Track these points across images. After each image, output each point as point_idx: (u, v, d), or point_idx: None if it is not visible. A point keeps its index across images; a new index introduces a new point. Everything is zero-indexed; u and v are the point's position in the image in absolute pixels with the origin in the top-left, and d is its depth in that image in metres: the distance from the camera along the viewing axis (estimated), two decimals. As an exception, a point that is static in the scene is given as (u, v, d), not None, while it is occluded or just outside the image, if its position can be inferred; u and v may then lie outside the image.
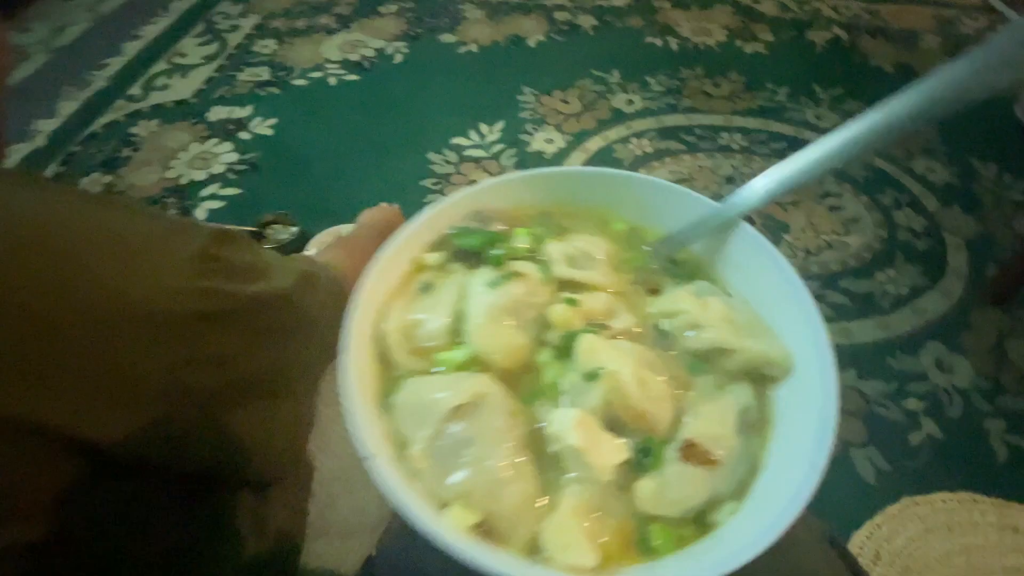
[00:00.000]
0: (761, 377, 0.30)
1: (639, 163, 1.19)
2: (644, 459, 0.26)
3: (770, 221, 1.07)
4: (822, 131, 1.25)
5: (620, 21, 1.65)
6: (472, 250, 0.33)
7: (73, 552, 0.27)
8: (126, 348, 0.25)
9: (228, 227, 0.33)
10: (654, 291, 0.34)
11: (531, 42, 1.54)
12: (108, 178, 1.12)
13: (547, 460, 0.27)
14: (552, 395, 0.29)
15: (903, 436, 0.80)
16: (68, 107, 1.29)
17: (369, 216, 0.67)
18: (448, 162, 1.18)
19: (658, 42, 1.56)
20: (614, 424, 0.27)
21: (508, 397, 0.28)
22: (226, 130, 1.24)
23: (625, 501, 0.26)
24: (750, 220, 0.33)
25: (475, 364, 0.30)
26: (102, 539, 0.28)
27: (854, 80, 1.44)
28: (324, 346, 0.38)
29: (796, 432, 0.27)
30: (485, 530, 0.25)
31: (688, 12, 1.69)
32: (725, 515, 0.26)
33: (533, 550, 0.25)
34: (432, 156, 1.19)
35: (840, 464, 0.77)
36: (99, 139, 1.21)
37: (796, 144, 1.25)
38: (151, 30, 1.54)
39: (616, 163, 1.19)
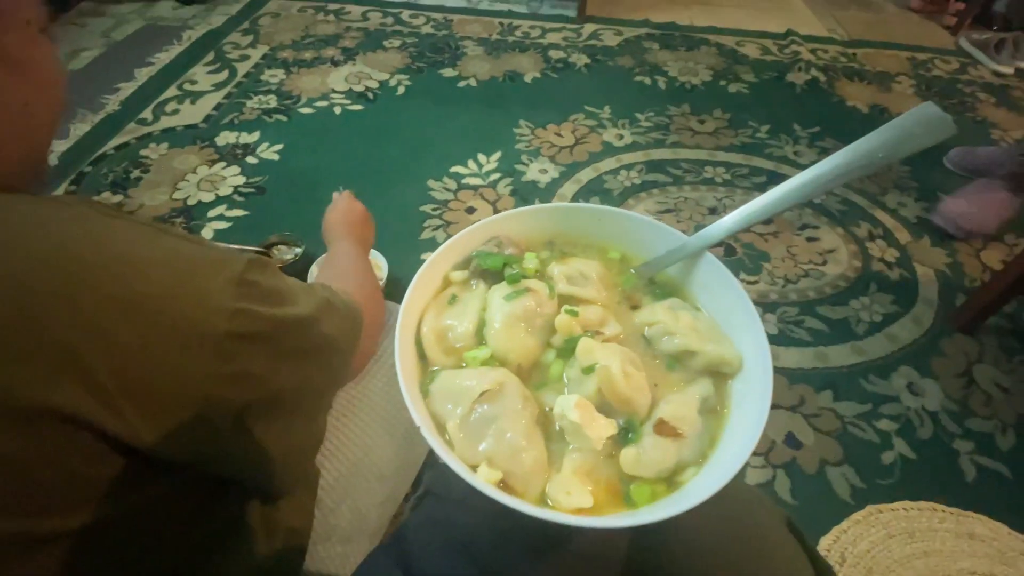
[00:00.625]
0: (719, 373, 0.37)
1: (628, 194, 1.25)
2: (628, 434, 0.33)
3: (751, 250, 1.13)
4: (800, 166, 1.34)
5: (612, 60, 1.74)
6: (491, 270, 0.41)
7: (104, 542, 0.29)
8: (168, 358, 0.27)
9: (255, 253, 0.36)
10: (636, 306, 0.42)
11: (527, 78, 1.63)
12: (118, 197, 1.16)
13: (554, 434, 0.34)
14: (557, 385, 0.36)
15: (876, 455, 0.84)
16: (81, 128, 1.34)
17: (334, 217, 0.69)
18: (447, 189, 1.24)
19: (647, 80, 1.65)
20: (605, 407, 0.34)
21: (523, 386, 0.35)
22: (234, 154, 1.29)
23: (613, 465, 0.33)
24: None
25: (495, 361, 0.37)
26: (132, 531, 0.31)
27: (831, 119, 1.53)
28: (337, 369, 0.41)
29: (744, 414, 0.34)
30: (506, 486, 0.31)
31: (675, 53, 1.80)
32: (689, 476, 0.33)
33: (543, 503, 0.31)
34: (432, 183, 1.24)
35: (816, 480, 0.80)
36: (110, 160, 1.26)
37: (775, 178, 1.32)
38: (163, 57, 1.61)
39: (606, 193, 1.25)
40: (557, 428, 0.34)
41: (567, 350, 0.36)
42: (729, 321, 0.38)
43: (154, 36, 1.72)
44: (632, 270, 0.44)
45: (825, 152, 1.41)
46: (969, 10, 2.02)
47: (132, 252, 0.28)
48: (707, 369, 0.37)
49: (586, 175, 1.30)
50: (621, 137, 1.42)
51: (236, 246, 1.02)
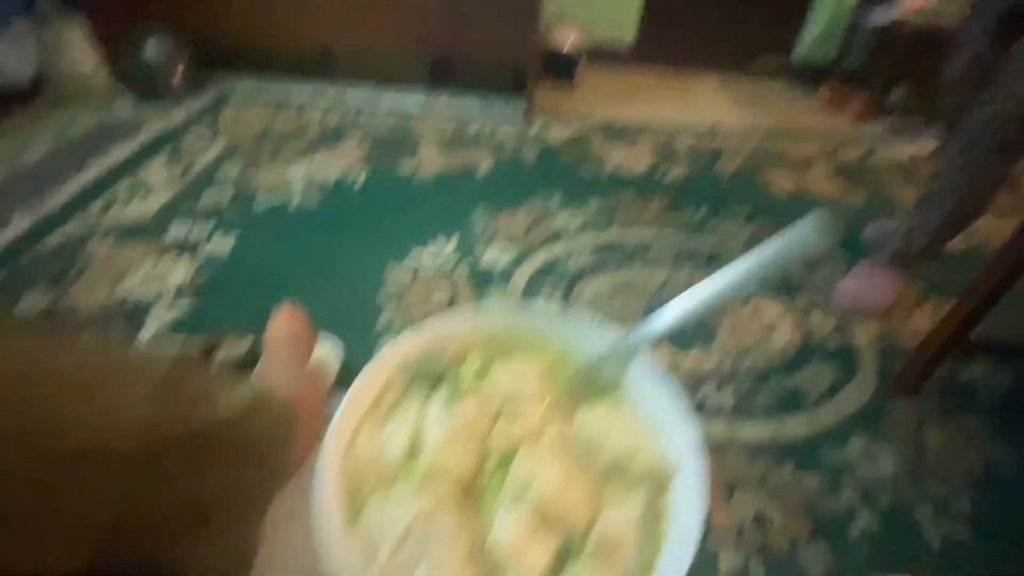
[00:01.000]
0: (658, 478, 0.36)
1: (580, 276, 1.29)
2: (568, 551, 0.32)
3: (701, 328, 1.17)
4: (738, 244, 1.43)
5: (559, 152, 1.88)
6: (431, 375, 0.40)
7: None
8: (76, 486, 0.25)
9: (184, 352, 0.35)
10: (575, 409, 0.41)
11: (481, 170, 1.72)
12: (51, 295, 1.10)
13: (489, 566, 0.32)
14: (495, 499, 0.34)
15: (843, 528, 0.83)
16: (21, 224, 1.29)
17: (275, 332, 0.68)
18: (403, 278, 1.24)
19: (593, 169, 1.78)
20: (545, 519, 0.32)
21: (455, 513, 0.33)
22: (183, 249, 1.27)
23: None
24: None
25: (433, 474, 0.35)
26: None
27: (759, 200, 1.67)
28: (272, 472, 0.39)
29: (683, 521, 0.33)
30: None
31: (617, 145, 1.96)
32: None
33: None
34: (389, 272, 1.25)
35: (790, 563, 0.78)
36: (49, 256, 1.21)
37: (717, 255, 1.41)
38: (117, 153, 1.62)
39: (560, 275, 1.29)
40: (493, 560, 0.32)
41: (506, 461, 0.36)
42: (665, 418, 0.39)
43: (110, 132, 1.73)
44: (571, 371, 0.44)
45: (759, 228, 1.53)
46: (870, 101, 2.34)
47: (25, 375, 0.26)
48: (646, 475, 0.36)
49: (540, 258, 1.34)
50: (571, 222, 1.49)
51: (181, 338, 0.97)
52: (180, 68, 1.96)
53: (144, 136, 1.73)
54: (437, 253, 1.33)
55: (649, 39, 2.67)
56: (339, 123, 1.93)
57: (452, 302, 1.18)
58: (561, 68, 2.43)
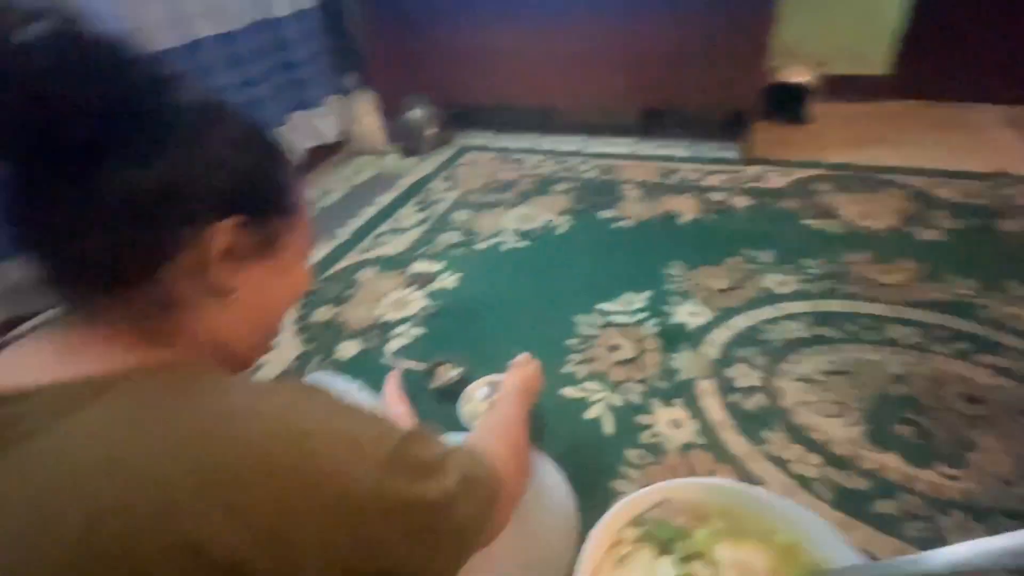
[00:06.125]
0: None
1: (790, 347, 1.17)
2: None
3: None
4: (1019, 333, 1.11)
5: (776, 202, 1.72)
6: (663, 536, 0.45)
7: None
8: (306, 522, 0.30)
9: (416, 427, 0.40)
10: None
11: (683, 219, 1.69)
12: (335, 310, 1.47)
13: None
14: None
15: None
16: (321, 253, 1.75)
17: (513, 381, 0.74)
18: (592, 325, 1.30)
19: (817, 224, 1.59)
20: None
21: None
22: (421, 281, 1.55)
23: None
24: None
25: None
26: None
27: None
28: (465, 549, 0.42)
29: None
30: None
31: (852, 195, 1.71)
32: None
33: None
34: (579, 318, 1.33)
35: None
36: (334, 280, 1.61)
37: (985, 345, 1.12)
38: (383, 199, 2.06)
39: (764, 344, 1.18)
40: None
41: None
42: None
43: (380, 182, 2.22)
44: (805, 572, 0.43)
45: (1061, 317, 1.16)
46: None
47: (312, 428, 0.33)
48: None
49: (741, 321, 1.26)
50: (784, 283, 1.36)
51: (410, 363, 1.20)
52: (434, 128, 2.41)
53: (403, 184, 2.16)
54: (628, 304, 1.35)
55: (908, 70, 2.27)
56: (551, 172, 2.12)
57: (635, 360, 1.19)
58: (789, 104, 2.23)
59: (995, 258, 1.36)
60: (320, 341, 1.34)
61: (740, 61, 1.91)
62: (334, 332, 1.38)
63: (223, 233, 0.36)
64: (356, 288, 1.56)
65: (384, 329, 1.38)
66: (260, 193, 0.40)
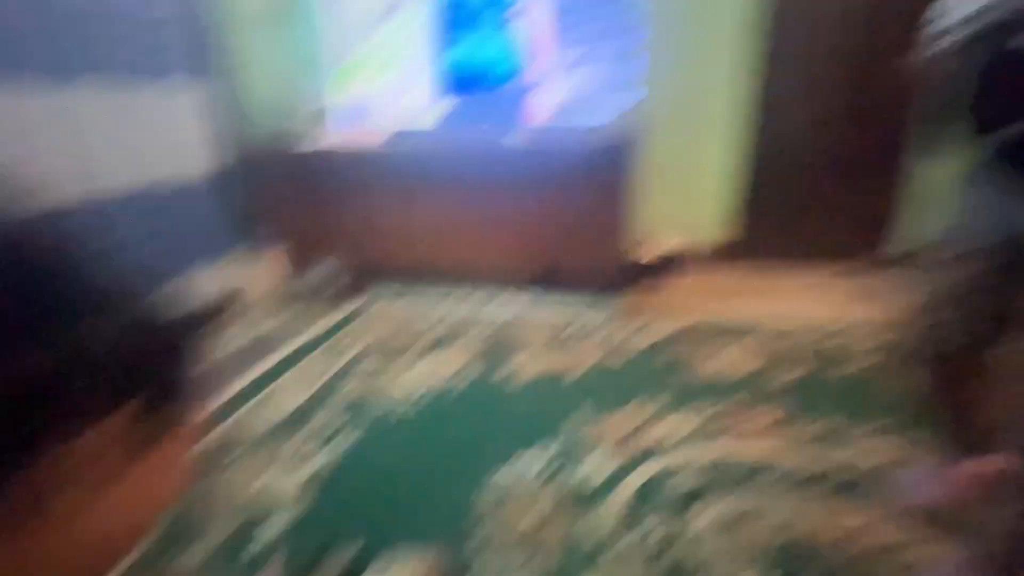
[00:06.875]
0: None
1: (693, 497, 1.17)
2: None
3: None
4: (882, 461, 1.22)
5: (659, 355, 1.86)
6: None
7: None
8: None
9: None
10: None
11: (579, 372, 1.76)
12: (210, 481, 1.26)
13: None
14: None
15: None
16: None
17: None
18: (497, 490, 1.22)
19: (695, 372, 1.73)
20: None
21: None
22: (316, 442, 1.41)
23: None
24: None
25: None
26: None
27: (902, 405, 1.44)
28: None
29: None
30: None
31: (721, 345, 1.90)
32: None
33: None
34: (485, 481, 1.25)
35: None
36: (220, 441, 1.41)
37: (853, 480, 1.21)
38: (285, 350, 1.95)
39: (669, 497, 1.18)
40: None
41: None
42: None
43: (266, 344, 2.12)
44: None
45: (908, 445, 1.31)
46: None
47: None
48: None
49: (645, 471, 1.26)
50: (678, 429, 1.41)
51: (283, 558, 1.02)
52: (340, 282, 2.44)
53: (309, 336, 2.09)
54: (532, 461, 1.31)
55: (751, 235, 2.76)
56: (452, 327, 2.16)
57: (544, 524, 1.12)
58: (656, 270, 2.57)
59: (845, 395, 1.55)
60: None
61: (608, 234, 2.33)
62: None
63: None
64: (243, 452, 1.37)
65: (261, 509, 1.19)
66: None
